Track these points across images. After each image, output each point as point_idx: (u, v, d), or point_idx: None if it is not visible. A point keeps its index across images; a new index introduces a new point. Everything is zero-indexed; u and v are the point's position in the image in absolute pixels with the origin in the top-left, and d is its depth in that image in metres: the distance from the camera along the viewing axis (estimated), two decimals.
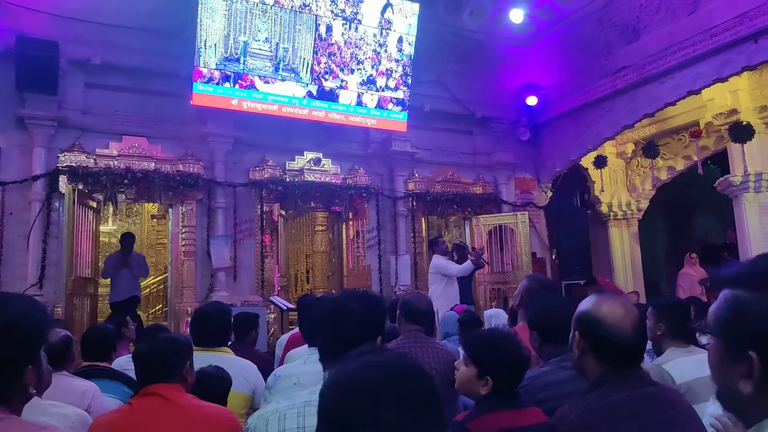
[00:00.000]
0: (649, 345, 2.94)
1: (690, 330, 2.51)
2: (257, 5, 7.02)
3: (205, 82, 6.93)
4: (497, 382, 1.84)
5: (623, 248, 10.64)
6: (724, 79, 7.06)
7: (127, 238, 7.33)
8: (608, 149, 10.02)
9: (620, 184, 10.67)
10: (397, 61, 7.97)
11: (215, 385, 2.30)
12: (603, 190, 10.13)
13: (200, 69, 6.86)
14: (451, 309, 5.31)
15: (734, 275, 0.91)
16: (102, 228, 8.90)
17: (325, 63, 7.57)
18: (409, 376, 0.86)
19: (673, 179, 10.13)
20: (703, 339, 0.91)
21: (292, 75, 7.42)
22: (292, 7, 7.19)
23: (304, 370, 2.27)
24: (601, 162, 9.39)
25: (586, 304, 1.62)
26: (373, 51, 7.80)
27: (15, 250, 6.41)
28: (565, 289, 9.43)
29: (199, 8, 6.68)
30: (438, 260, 6.98)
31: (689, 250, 9.55)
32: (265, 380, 2.69)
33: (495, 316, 4.79)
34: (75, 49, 6.72)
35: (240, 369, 2.77)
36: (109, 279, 7.10)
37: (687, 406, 1.56)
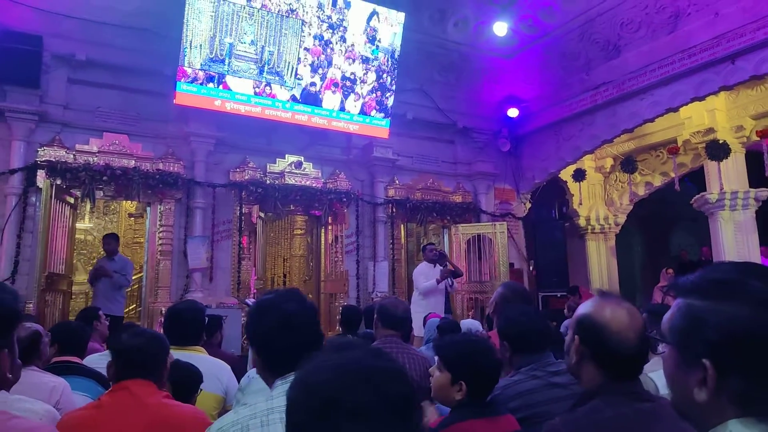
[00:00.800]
0: None
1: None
2: (244, 8, 7.03)
3: (188, 82, 6.91)
4: (470, 388, 1.85)
5: (600, 261, 10.78)
6: (701, 98, 7.25)
7: (108, 241, 6.69)
8: (587, 163, 10.19)
9: (598, 198, 10.84)
10: (381, 68, 8.03)
11: (187, 379, 2.30)
12: (581, 204, 10.28)
13: (184, 68, 6.84)
14: (425, 317, 5.34)
15: (688, 284, 0.92)
16: (78, 225, 8.76)
17: (309, 67, 7.59)
18: (381, 378, 0.78)
19: (650, 195, 10.32)
20: (660, 347, 0.92)
21: (277, 78, 7.43)
22: (279, 11, 7.22)
23: None
24: (579, 175, 9.53)
25: (588, 307, 1.50)
26: (358, 58, 7.85)
27: None
28: (542, 300, 9.54)
29: (186, 8, 6.67)
30: (418, 268, 6.94)
31: (665, 265, 9.72)
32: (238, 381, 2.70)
33: (470, 327, 4.81)
34: (59, 44, 6.67)
35: (213, 369, 2.75)
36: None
37: (683, 424, 1.49)
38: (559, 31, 8.29)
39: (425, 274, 6.71)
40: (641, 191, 10.21)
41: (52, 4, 6.55)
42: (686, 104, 7.45)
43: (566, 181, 10.22)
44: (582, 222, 10.72)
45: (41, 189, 6.46)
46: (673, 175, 8.85)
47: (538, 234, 10.20)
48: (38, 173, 6.49)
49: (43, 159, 6.51)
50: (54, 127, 6.75)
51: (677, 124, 8.89)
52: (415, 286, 6.79)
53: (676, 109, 7.64)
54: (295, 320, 1.49)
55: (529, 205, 10.04)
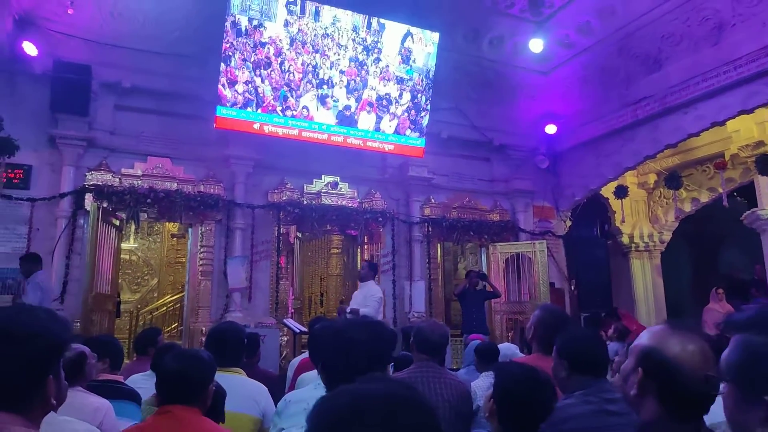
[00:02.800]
0: None
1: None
2: (281, 32, 7.18)
3: (228, 106, 7.08)
4: (512, 421, 1.81)
5: (645, 281, 10.45)
6: (749, 111, 6.96)
7: (24, 262, 6.00)
8: (629, 179, 9.94)
9: (642, 215, 10.54)
10: (416, 88, 8.07)
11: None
12: (624, 221, 9.99)
13: (224, 93, 7.02)
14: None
15: (744, 320, 0.90)
16: (123, 246, 9.05)
17: (344, 89, 7.69)
18: (400, 407, 0.78)
19: (697, 211, 9.96)
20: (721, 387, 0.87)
21: (314, 100, 7.55)
22: (315, 35, 7.36)
23: (314, 396, 2.26)
24: (621, 192, 9.29)
25: (656, 339, 1.36)
26: (392, 78, 7.92)
27: None
28: (585, 321, 9.27)
29: (225, 36, 6.87)
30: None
31: (715, 284, 9.31)
32: (275, 401, 2.70)
33: (507, 352, 4.68)
34: (107, 72, 6.98)
35: (251, 391, 2.76)
36: None
37: None
38: (597, 46, 8.16)
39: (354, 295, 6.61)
40: (687, 207, 9.88)
41: (101, 35, 6.87)
42: (733, 118, 7.17)
43: (608, 198, 9.99)
44: (625, 240, 10.43)
45: (89, 212, 6.72)
46: (721, 190, 8.52)
47: (580, 253, 9.95)
48: (86, 197, 6.74)
49: (91, 183, 6.77)
50: (101, 152, 7.02)
51: (724, 138, 8.59)
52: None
53: (722, 123, 7.36)
54: (350, 348, 1.60)
55: (569, 223, 9.84)
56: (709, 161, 9.22)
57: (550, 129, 9.16)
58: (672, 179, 8.97)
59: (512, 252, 8.90)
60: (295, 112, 7.45)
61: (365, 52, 7.70)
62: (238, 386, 2.66)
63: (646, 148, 8.21)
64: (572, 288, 9.68)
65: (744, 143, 8.30)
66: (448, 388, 2.72)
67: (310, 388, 2.45)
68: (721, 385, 0.92)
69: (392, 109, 8.02)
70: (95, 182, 6.78)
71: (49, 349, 1.17)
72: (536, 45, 7.82)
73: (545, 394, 1.84)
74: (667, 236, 10.50)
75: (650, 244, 10.45)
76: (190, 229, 7.68)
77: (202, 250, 7.38)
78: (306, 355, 4.26)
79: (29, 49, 6.42)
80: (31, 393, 1.14)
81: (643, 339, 1.39)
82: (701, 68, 7.23)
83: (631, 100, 8.22)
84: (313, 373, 3.01)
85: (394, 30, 7.74)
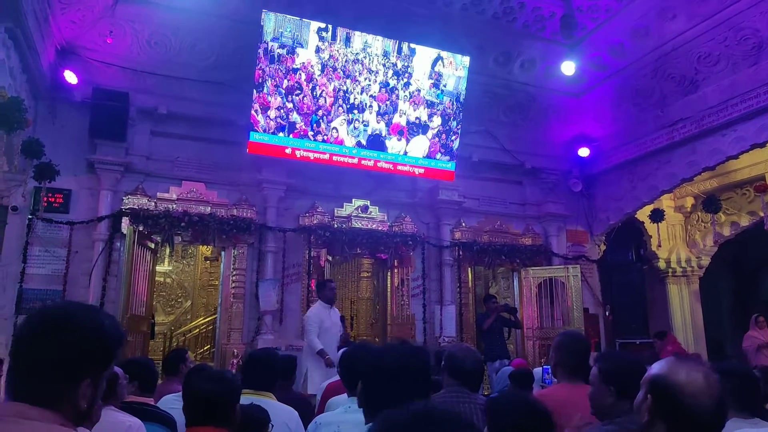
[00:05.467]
0: None
1: (754, 401, 2.31)
2: (312, 58, 7.32)
3: (261, 132, 7.21)
4: None
5: (683, 307, 10.13)
6: None
7: None
8: (666, 203, 9.72)
9: (679, 239, 10.26)
10: (446, 112, 8.08)
11: (257, 420, 2.30)
12: (660, 245, 9.75)
13: (256, 119, 7.15)
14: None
15: None
16: (158, 268, 9.20)
17: (375, 113, 7.76)
18: (451, 425, 0.85)
19: (737, 235, 9.65)
20: None
21: (344, 125, 7.63)
22: (345, 61, 7.47)
23: (344, 419, 2.24)
24: (657, 216, 9.07)
25: (663, 368, 1.49)
26: (422, 102, 7.96)
27: (78, 286, 6.71)
28: (620, 348, 9.00)
29: (258, 63, 7.03)
30: (311, 310, 6.33)
31: (756, 311, 8.97)
32: (305, 424, 2.67)
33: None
34: (144, 99, 7.17)
35: (281, 415, 2.75)
36: None
37: None
38: (631, 67, 8.08)
39: (319, 319, 6.09)
40: (726, 232, 9.58)
41: (138, 63, 7.10)
42: None
43: (643, 222, 9.76)
44: (662, 265, 10.15)
45: (125, 235, 6.86)
46: (761, 214, 8.24)
47: (615, 277, 9.72)
48: (123, 220, 6.89)
49: (128, 207, 6.93)
50: (138, 176, 7.19)
51: (765, 160, 8.37)
52: (305, 335, 6.13)
53: (762, 145, 7.16)
54: (397, 373, 1.64)
55: (603, 247, 9.63)
56: (748, 184, 8.98)
57: (583, 152, 9.05)
58: (710, 203, 8.73)
59: (545, 276, 8.73)
60: (326, 137, 7.54)
61: (396, 77, 7.77)
62: (268, 409, 2.65)
63: (682, 171, 8.02)
64: (607, 314, 9.43)
65: None
66: (480, 413, 2.66)
67: (340, 411, 2.43)
68: None
69: (423, 133, 8.04)
70: (131, 206, 6.93)
71: (102, 346, 1.11)
72: (568, 67, 7.76)
73: (540, 427, 1.78)
74: (706, 261, 10.19)
75: (688, 269, 10.15)
76: (223, 252, 7.78)
77: (234, 272, 7.45)
78: (335, 378, 4.22)
79: (70, 77, 6.63)
80: (62, 389, 1.07)
81: (653, 369, 1.51)
82: (740, 89, 7.09)
83: (666, 121, 8.07)
84: (343, 397, 2.98)
85: (424, 54, 7.81)
